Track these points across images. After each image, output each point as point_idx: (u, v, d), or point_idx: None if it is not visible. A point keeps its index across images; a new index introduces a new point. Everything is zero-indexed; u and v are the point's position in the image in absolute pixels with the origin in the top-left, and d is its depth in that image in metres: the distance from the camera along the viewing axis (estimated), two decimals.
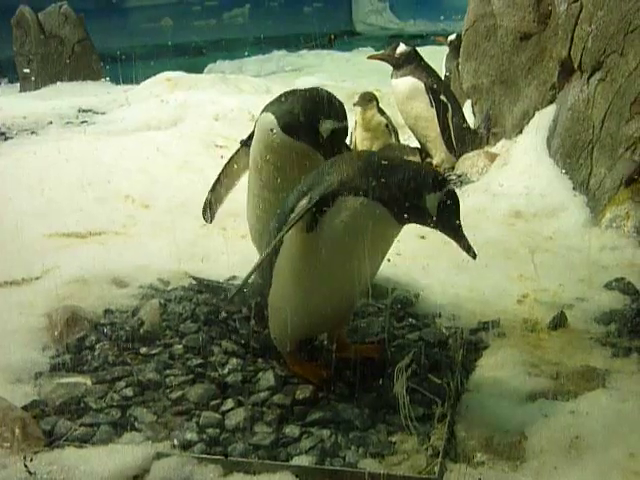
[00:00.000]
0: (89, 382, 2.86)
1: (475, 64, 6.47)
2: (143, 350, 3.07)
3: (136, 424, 2.60)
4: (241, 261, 3.74)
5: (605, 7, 4.64)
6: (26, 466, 2.32)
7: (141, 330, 3.18)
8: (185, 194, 4.96)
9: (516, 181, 5.18)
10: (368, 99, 6.14)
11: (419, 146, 6.38)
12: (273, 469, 2.37)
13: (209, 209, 3.67)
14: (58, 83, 11.32)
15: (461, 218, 2.64)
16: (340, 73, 12.13)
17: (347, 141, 3.36)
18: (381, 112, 6.30)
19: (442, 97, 6.04)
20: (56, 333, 3.17)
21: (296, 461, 2.40)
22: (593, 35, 4.73)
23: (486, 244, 4.16)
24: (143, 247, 4.20)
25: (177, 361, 2.98)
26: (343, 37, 18.42)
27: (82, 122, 8.35)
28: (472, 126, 6.44)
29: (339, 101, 3.10)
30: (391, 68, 6.14)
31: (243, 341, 3.10)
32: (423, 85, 6.00)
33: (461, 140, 6.16)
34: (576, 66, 5.02)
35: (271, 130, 3.13)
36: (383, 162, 2.59)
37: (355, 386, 2.74)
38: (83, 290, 3.54)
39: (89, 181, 5.27)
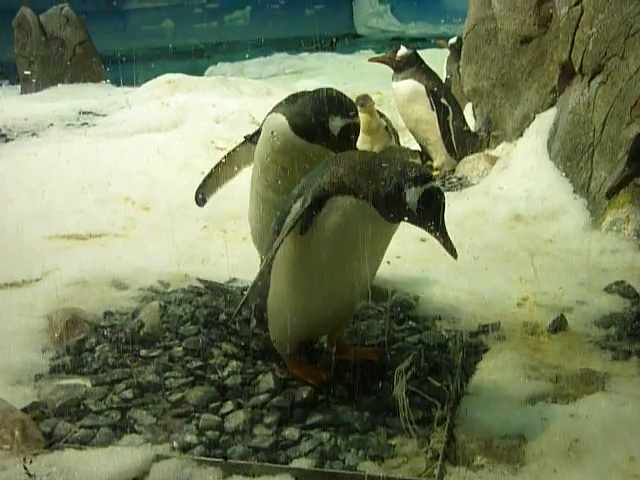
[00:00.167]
0: (89, 384, 2.86)
1: (476, 67, 6.48)
2: (143, 352, 3.07)
3: (136, 426, 2.60)
4: (241, 263, 3.75)
5: (606, 10, 4.64)
6: (26, 468, 2.32)
7: (141, 332, 3.17)
8: (185, 196, 4.93)
9: (516, 184, 5.18)
10: (361, 103, 6.08)
11: (419, 149, 6.38)
12: (272, 472, 2.37)
13: (201, 194, 3.65)
14: (59, 85, 11.33)
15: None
16: (341, 76, 12.12)
17: None
18: (380, 115, 6.30)
19: (443, 100, 6.05)
20: (56, 335, 3.18)
21: (295, 464, 2.40)
22: (594, 38, 4.74)
23: (486, 247, 4.17)
24: (143, 249, 4.20)
25: (177, 363, 2.98)
26: (344, 40, 18.43)
27: (83, 124, 8.37)
28: (473, 129, 6.45)
29: (348, 98, 3.09)
30: (392, 71, 6.15)
31: (243, 344, 3.10)
32: (424, 88, 6.00)
33: (461, 143, 6.17)
34: (577, 69, 5.03)
35: (272, 133, 3.13)
36: (370, 160, 2.59)
37: (355, 389, 2.74)
38: (83, 292, 3.54)
39: (89, 183, 5.28)
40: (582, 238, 4.35)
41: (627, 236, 4.27)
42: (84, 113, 9.04)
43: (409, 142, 6.67)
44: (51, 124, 8.38)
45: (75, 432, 2.55)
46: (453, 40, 8.00)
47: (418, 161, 6.18)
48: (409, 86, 6.04)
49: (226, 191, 4.70)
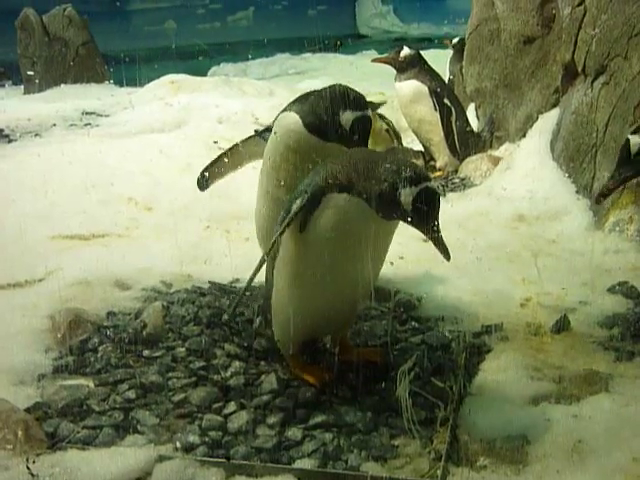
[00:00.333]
0: (92, 384, 2.86)
1: (479, 68, 6.48)
2: (146, 353, 3.07)
3: (138, 427, 2.59)
4: (244, 264, 3.74)
5: (609, 11, 4.64)
6: (29, 468, 2.32)
7: (144, 333, 3.18)
8: (188, 197, 4.95)
9: (519, 185, 5.18)
10: None
11: (422, 149, 6.37)
12: (275, 472, 2.37)
13: (205, 178, 3.62)
14: (62, 85, 11.34)
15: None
16: (344, 76, 12.08)
17: None
18: (382, 117, 6.29)
19: (446, 100, 6.04)
20: (59, 335, 3.18)
21: (298, 464, 2.40)
22: (597, 39, 4.73)
23: (489, 247, 4.17)
24: (146, 249, 4.20)
25: (180, 364, 2.98)
26: (347, 40, 18.43)
27: (86, 124, 8.38)
28: (475, 129, 6.44)
29: (358, 92, 3.07)
30: (395, 71, 6.14)
31: (246, 344, 3.10)
32: (427, 88, 6.00)
33: (464, 143, 6.16)
34: (580, 70, 5.02)
35: (274, 133, 3.12)
36: (368, 158, 2.59)
37: (358, 389, 2.74)
38: (86, 292, 3.55)
39: (92, 183, 5.28)
40: (585, 238, 4.34)
41: (630, 236, 4.27)
42: (87, 113, 9.05)
43: (412, 143, 6.66)
44: (54, 124, 8.39)
45: (78, 432, 2.55)
46: (455, 40, 8.00)
47: (421, 162, 6.18)
48: (412, 86, 6.04)
49: (229, 191, 4.72)
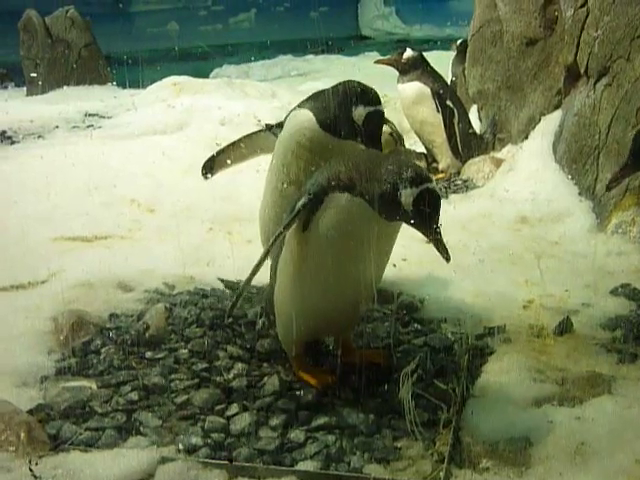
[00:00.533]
0: (94, 386, 2.86)
1: (481, 69, 6.48)
2: (148, 354, 3.08)
3: (141, 428, 2.60)
4: (247, 265, 3.73)
5: (611, 12, 4.64)
6: (31, 470, 2.32)
7: (146, 334, 3.18)
8: (191, 198, 4.96)
9: (522, 186, 5.18)
10: None
11: (425, 151, 6.37)
12: (278, 474, 2.37)
13: (209, 167, 3.61)
14: (65, 87, 11.34)
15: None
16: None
17: None
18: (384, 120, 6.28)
19: (448, 102, 6.04)
20: (62, 337, 3.18)
21: (301, 466, 2.40)
22: (599, 40, 4.73)
23: (492, 249, 4.17)
24: (148, 251, 4.20)
25: (182, 365, 2.98)
26: (349, 42, 18.43)
27: (88, 126, 8.37)
28: (478, 131, 6.44)
29: (370, 87, 3.06)
30: (398, 73, 6.14)
31: (248, 346, 3.10)
32: (429, 90, 6.00)
33: (467, 145, 6.16)
34: (582, 71, 5.02)
35: (299, 128, 3.10)
36: (370, 159, 2.60)
37: (360, 391, 2.73)
38: (89, 294, 3.55)
39: (95, 185, 5.28)
40: (588, 240, 4.34)
41: (633, 238, 4.27)
42: (90, 115, 9.05)
43: (415, 144, 6.66)
44: (57, 126, 8.39)
45: (80, 434, 2.55)
46: (458, 42, 8.00)
47: (423, 163, 6.18)
48: (415, 88, 6.04)
49: (231, 193, 4.72)
